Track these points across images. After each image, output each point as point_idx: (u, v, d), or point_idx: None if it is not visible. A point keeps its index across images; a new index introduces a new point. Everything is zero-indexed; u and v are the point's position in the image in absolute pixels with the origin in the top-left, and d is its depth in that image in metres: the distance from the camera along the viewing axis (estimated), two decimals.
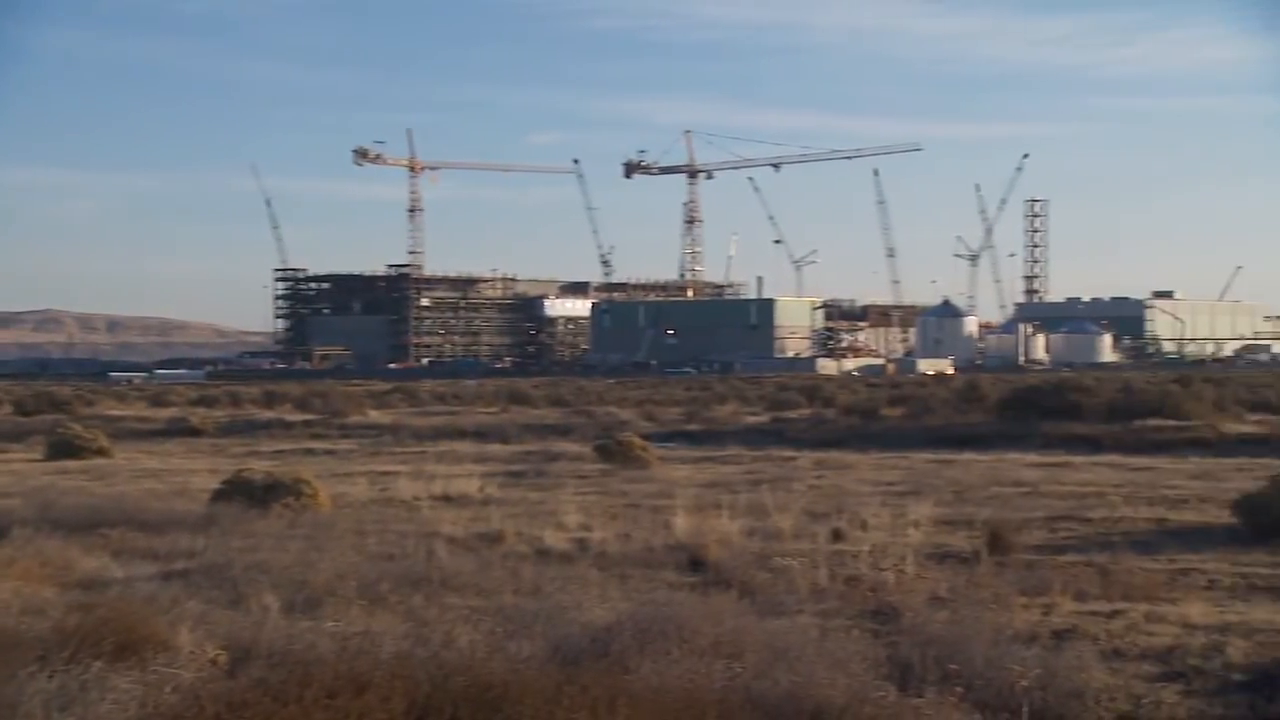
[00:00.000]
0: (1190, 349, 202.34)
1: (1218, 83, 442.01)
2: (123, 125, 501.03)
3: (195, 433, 54.49)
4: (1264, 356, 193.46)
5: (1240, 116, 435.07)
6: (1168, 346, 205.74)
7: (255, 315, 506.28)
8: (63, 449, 42.24)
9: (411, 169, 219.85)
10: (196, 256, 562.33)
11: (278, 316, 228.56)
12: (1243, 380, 79.50)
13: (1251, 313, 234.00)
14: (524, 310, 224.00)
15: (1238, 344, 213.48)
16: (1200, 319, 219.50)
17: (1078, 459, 36.55)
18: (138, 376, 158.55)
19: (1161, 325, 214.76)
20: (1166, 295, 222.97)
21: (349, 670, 9.73)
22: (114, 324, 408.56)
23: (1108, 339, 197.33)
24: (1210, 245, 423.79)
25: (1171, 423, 44.86)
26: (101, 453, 42.57)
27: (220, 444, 50.28)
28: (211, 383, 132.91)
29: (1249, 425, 44.96)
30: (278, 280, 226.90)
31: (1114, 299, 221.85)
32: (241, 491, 25.48)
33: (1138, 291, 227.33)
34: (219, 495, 25.85)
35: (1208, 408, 48.45)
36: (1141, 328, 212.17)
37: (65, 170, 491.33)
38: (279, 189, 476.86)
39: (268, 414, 65.82)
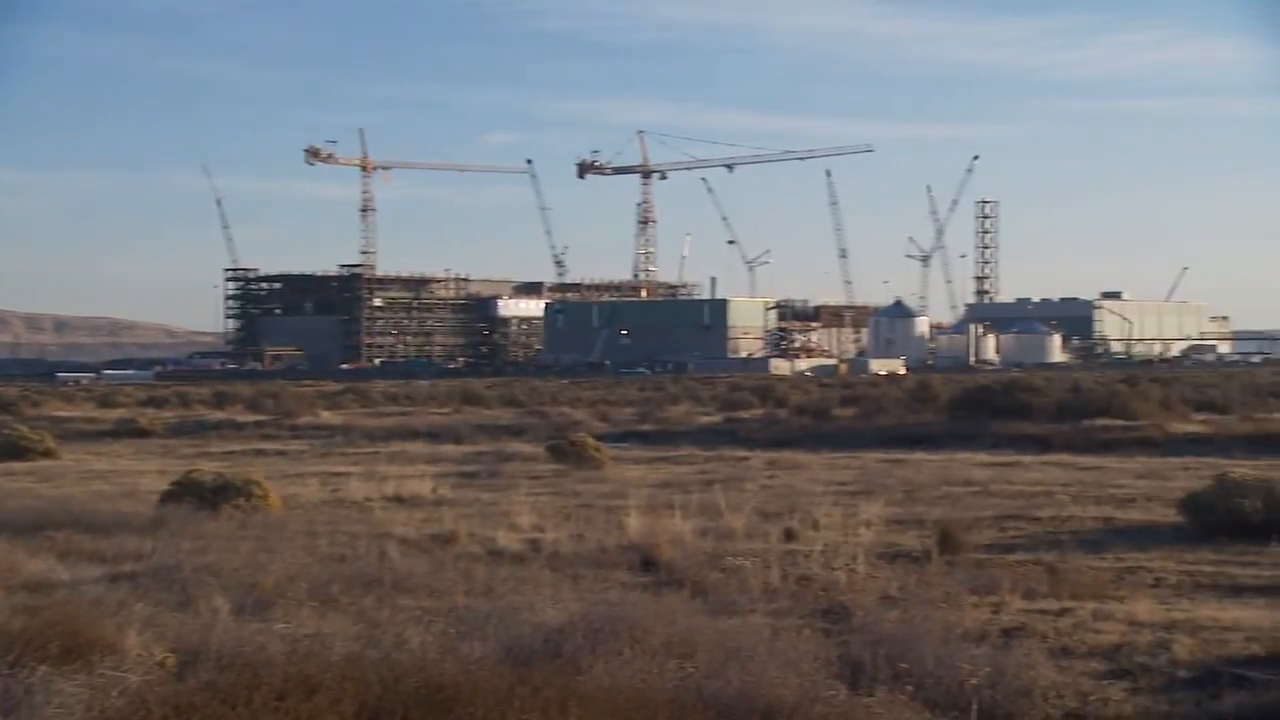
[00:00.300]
0: (1138, 349, 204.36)
1: (1166, 86, 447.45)
2: (70, 123, 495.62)
3: (144, 434, 54.04)
4: (1210, 356, 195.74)
5: (1186, 119, 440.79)
6: (1116, 347, 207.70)
7: (206, 315, 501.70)
8: (8, 450, 41.73)
9: (364, 168, 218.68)
10: (146, 256, 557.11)
11: (228, 317, 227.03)
12: (1189, 380, 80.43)
13: (1198, 313, 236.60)
14: (477, 310, 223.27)
15: (1184, 344, 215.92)
16: (1148, 319, 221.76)
17: (1027, 458, 36.89)
18: (85, 377, 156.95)
19: (1110, 325, 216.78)
20: (1114, 296, 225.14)
21: (299, 672, 9.67)
22: (61, 324, 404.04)
23: (1057, 339, 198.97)
24: (1157, 246, 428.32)
25: (1119, 422, 45.35)
26: (48, 454, 42.13)
27: (169, 445, 49.90)
28: (161, 383, 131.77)
29: (1195, 425, 45.49)
30: (228, 280, 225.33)
31: (1063, 299, 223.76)
32: (191, 493, 25.28)
33: (1086, 292, 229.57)
34: (168, 497, 25.64)
35: (1154, 407, 49.00)
36: (1090, 328, 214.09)
37: (10, 169, 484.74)
38: (230, 188, 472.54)
39: (218, 415, 65.35)
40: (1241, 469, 24.61)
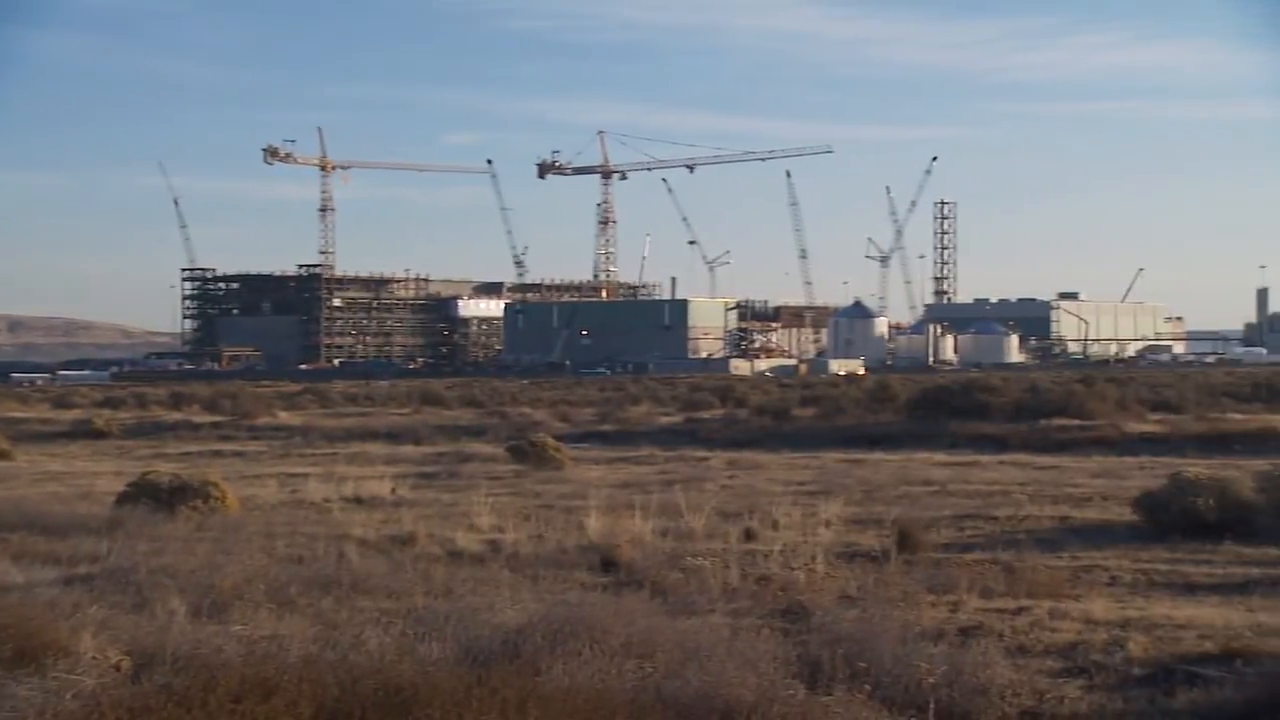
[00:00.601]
0: (1094, 349, 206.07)
1: (1122, 88, 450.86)
2: (26, 121, 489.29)
3: (100, 435, 53.58)
4: (1165, 357, 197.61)
5: (1143, 120, 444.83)
6: (1073, 347, 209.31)
7: (163, 316, 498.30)
8: None
9: (323, 168, 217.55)
10: (102, 255, 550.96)
11: (186, 317, 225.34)
12: (1145, 380, 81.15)
13: (1153, 314, 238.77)
14: (437, 311, 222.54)
15: (1140, 344, 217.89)
16: (1104, 320, 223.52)
17: (985, 458, 37.13)
18: (40, 378, 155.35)
19: (1067, 326, 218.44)
20: (1071, 296, 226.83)
21: (255, 674, 9.62)
22: (16, 324, 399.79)
23: (1015, 339, 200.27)
24: (1114, 248, 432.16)
25: (1076, 422, 45.70)
26: (2, 455, 41.75)
27: (126, 446, 49.49)
28: (117, 384, 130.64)
29: (1150, 424, 45.91)
30: (185, 280, 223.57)
31: (1021, 300, 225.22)
32: (147, 494, 25.09)
33: (1044, 293, 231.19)
34: (124, 498, 25.44)
35: (1111, 407, 49.40)
36: (1047, 328, 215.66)
37: None
38: (187, 187, 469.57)
39: (175, 416, 64.87)
40: (1195, 468, 24.88)
